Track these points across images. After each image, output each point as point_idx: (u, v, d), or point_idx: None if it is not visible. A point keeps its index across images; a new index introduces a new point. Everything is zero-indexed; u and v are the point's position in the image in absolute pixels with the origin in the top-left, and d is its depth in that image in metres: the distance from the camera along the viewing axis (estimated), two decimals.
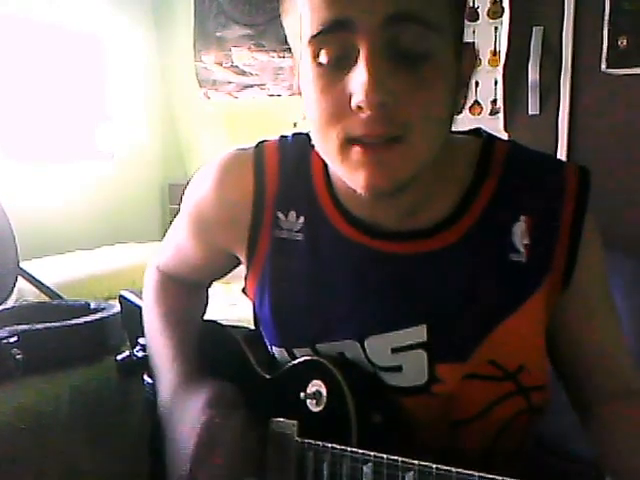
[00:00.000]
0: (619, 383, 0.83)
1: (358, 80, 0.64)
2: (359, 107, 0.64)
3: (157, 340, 0.96)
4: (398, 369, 0.80)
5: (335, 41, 0.66)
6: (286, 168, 0.86)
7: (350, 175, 0.70)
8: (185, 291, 1.02)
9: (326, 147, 0.72)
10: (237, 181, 0.87)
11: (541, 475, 0.95)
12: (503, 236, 0.79)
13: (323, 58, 0.67)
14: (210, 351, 0.96)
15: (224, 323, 1.01)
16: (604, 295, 0.85)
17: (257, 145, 0.88)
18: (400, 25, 0.64)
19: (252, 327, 0.96)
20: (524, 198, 0.79)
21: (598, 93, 2.33)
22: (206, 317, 1.04)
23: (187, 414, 0.83)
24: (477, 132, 0.86)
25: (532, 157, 0.84)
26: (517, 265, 0.78)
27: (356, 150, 0.68)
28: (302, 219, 0.84)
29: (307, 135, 0.85)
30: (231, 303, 2.04)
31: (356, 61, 0.65)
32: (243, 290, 0.92)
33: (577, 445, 0.91)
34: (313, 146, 0.82)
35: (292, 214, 0.84)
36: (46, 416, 1.15)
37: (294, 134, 0.89)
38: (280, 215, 0.85)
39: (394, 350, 0.79)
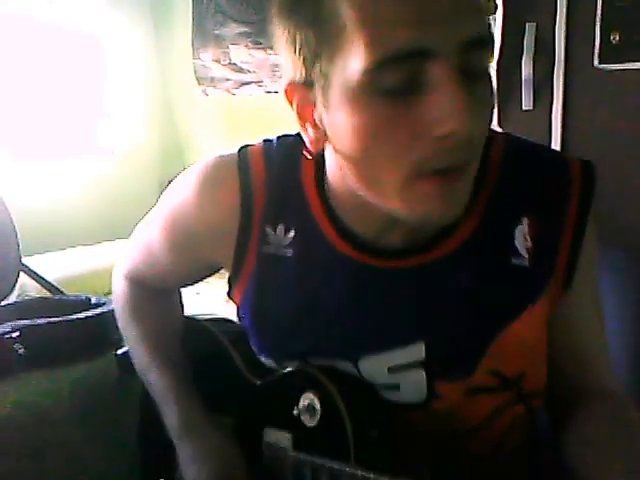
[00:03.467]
0: (597, 383, 0.81)
1: (448, 108, 0.58)
2: (445, 137, 0.59)
3: (149, 372, 0.94)
4: (395, 387, 0.77)
5: (405, 68, 0.59)
6: (273, 177, 0.80)
7: (415, 209, 0.65)
8: (157, 298, 0.99)
9: (381, 183, 0.65)
10: (221, 193, 0.81)
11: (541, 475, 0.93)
12: (505, 239, 0.75)
13: (387, 86, 0.60)
14: (194, 354, 0.93)
15: (207, 318, 0.99)
16: (595, 293, 0.82)
17: (240, 151, 0.83)
18: (473, 49, 0.60)
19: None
20: (525, 197, 0.75)
21: (591, 88, 2.34)
22: (200, 314, 1.02)
23: (186, 463, 0.84)
24: None
25: (532, 151, 0.79)
26: (520, 269, 0.74)
27: (427, 184, 0.63)
28: (292, 233, 0.79)
29: (294, 138, 0.81)
30: (226, 298, 2.05)
31: (428, 88, 0.59)
32: (228, 294, 0.88)
33: None
34: (302, 152, 0.77)
35: (280, 228, 0.79)
36: (47, 410, 1.16)
37: (278, 137, 0.84)
38: (268, 230, 0.80)
39: (391, 369, 0.76)
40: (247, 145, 0.84)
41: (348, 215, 0.76)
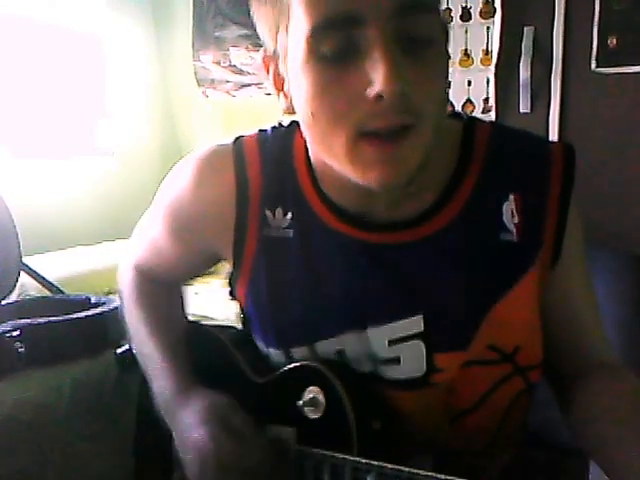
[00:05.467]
0: (595, 356, 0.83)
1: (376, 70, 0.62)
2: (379, 97, 0.62)
3: (146, 346, 0.94)
4: (396, 361, 0.79)
5: (340, 33, 0.63)
6: (268, 163, 0.83)
7: (361, 173, 0.68)
8: (163, 290, 1.00)
9: (332, 146, 0.68)
10: (217, 179, 0.84)
11: (529, 468, 0.95)
12: (493, 216, 0.78)
13: (326, 52, 0.64)
14: (197, 355, 0.94)
15: (210, 324, 1.00)
16: (584, 269, 0.85)
17: (235, 140, 0.86)
18: (408, 13, 0.62)
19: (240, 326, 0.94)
20: (511, 176, 0.78)
21: (588, 92, 2.36)
22: (202, 314, 1.03)
23: (184, 431, 0.81)
24: (456, 115, 0.84)
25: (515, 135, 0.83)
26: (509, 244, 0.77)
27: (368, 147, 0.66)
28: (290, 215, 0.81)
29: (287, 127, 0.85)
30: (225, 299, 2.06)
31: (364, 52, 0.63)
32: (230, 293, 0.89)
33: (564, 437, 0.89)
34: (294, 139, 0.82)
35: (279, 211, 0.82)
36: (47, 409, 1.16)
37: (273, 127, 0.87)
38: (267, 213, 0.82)
39: (391, 342, 0.78)
40: (242, 135, 0.87)
41: (331, 190, 0.80)
